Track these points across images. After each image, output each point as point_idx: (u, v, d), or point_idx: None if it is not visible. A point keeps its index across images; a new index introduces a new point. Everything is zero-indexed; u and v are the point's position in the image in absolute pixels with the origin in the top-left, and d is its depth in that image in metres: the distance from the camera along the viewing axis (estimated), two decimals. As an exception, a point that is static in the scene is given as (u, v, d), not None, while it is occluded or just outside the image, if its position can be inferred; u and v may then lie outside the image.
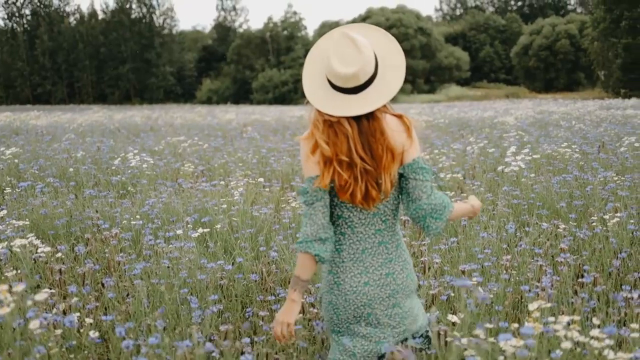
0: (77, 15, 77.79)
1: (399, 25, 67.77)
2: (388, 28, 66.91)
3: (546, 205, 7.20)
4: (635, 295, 4.32)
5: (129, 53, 73.66)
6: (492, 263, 5.17)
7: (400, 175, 2.86)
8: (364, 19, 70.87)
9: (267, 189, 8.12)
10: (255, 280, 5.23)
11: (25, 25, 75.99)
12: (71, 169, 9.06)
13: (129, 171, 8.89)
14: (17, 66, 72.69)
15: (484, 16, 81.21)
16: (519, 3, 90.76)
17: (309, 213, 2.83)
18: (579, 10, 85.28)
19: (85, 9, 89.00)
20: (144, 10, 76.16)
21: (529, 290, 4.58)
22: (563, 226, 6.04)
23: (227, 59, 73.40)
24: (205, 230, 5.22)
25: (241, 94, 68.46)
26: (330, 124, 2.77)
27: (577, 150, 9.65)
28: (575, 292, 4.95)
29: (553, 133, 14.17)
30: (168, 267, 4.75)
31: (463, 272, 4.97)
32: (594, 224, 5.98)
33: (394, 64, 2.82)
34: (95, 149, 11.73)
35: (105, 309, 4.58)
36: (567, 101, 37.82)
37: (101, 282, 4.62)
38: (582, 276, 5.28)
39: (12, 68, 72.82)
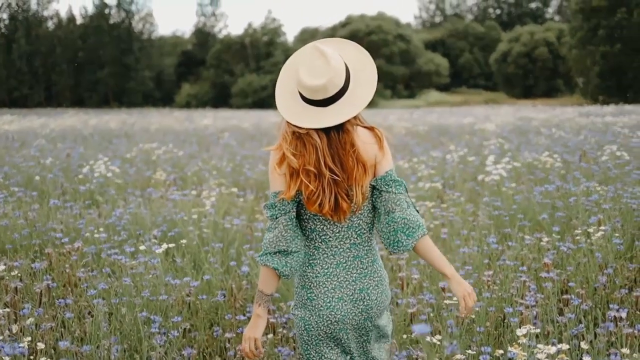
0: (56, 20, 77.04)
1: (378, 32, 67.66)
2: (368, 35, 66.81)
3: (528, 217, 6.99)
4: (623, 314, 4.10)
5: (107, 58, 73.02)
6: (473, 280, 4.92)
7: (373, 188, 2.80)
8: (344, 25, 70.70)
9: (241, 199, 7.84)
10: (225, 297, 4.97)
11: (2, 30, 75.10)
12: (37, 177, 8.69)
13: (97, 180, 8.55)
14: (-6, 70, 71.77)
15: (463, 23, 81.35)
16: (497, 11, 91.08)
17: (272, 226, 2.79)
18: (556, 18, 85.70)
19: (63, 13, 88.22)
20: (123, 15, 75.61)
21: (513, 308, 4.35)
22: (546, 239, 5.82)
23: (206, 64, 73.01)
24: (171, 245, 4.92)
25: (220, 99, 68.02)
26: (299, 136, 2.73)
27: (558, 159, 9.45)
28: (561, 311, 4.73)
29: (534, 140, 14.03)
30: (130, 284, 4.45)
31: (443, 289, 4.73)
32: (578, 237, 5.75)
33: (366, 78, 2.81)
34: (65, 156, 11.37)
35: (64, 328, 4.29)
36: (546, 108, 37.85)
37: (58, 300, 4.31)
38: (567, 292, 5.06)
39: (-11, 72, 71.92)
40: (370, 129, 2.81)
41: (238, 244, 6.19)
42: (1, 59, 72.13)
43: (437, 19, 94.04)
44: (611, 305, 4.26)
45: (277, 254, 2.77)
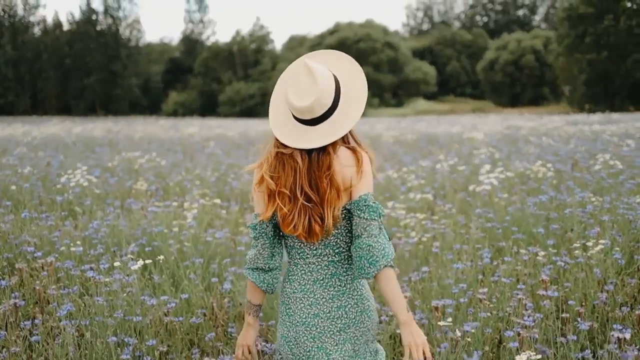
0: (42, 26, 76.56)
1: (366, 40, 67.55)
2: (356, 42, 66.69)
3: (522, 229, 6.75)
4: (627, 335, 3.86)
5: (94, 64, 72.58)
6: (467, 299, 4.66)
7: (349, 211, 2.75)
8: (332, 32, 70.54)
9: (224, 210, 7.56)
10: (205, 316, 4.69)
11: (-12, 36, 74.59)
12: (13, 187, 8.35)
13: (75, 190, 8.23)
14: (-21, 77, 71.16)
15: (450, 31, 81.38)
16: (485, 19, 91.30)
17: (253, 245, 2.88)
18: (543, 26, 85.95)
19: (50, 19, 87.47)
20: (110, 21, 75.23)
21: (511, 330, 4.10)
22: (543, 253, 5.58)
23: (194, 72, 72.70)
24: (148, 261, 4.63)
25: (208, 107, 67.69)
26: (281, 157, 2.75)
27: (552, 168, 9.22)
28: (561, 331, 4.49)
29: (524, 149, 13.83)
30: (103, 304, 4.17)
31: (436, 308, 4.47)
32: (576, 252, 5.51)
33: (356, 94, 2.77)
34: (45, 165, 11.03)
35: (31, 351, 4.01)
36: (533, 116, 37.79)
37: (24, 323, 4.02)
38: (566, 309, 4.82)
39: (-26, 79, 71.32)
40: (353, 150, 2.75)
41: (220, 258, 5.92)
42: (-14, 65, 71.61)
43: (425, 27, 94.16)
44: (614, 325, 4.02)
45: (257, 270, 2.89)
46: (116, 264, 4.54)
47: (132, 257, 5.06)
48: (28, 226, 6.49)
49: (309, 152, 2.71)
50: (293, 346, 2.83)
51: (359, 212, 2.69)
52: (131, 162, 11.55)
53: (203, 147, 16.03)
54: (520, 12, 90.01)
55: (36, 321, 3.98)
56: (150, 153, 12.87)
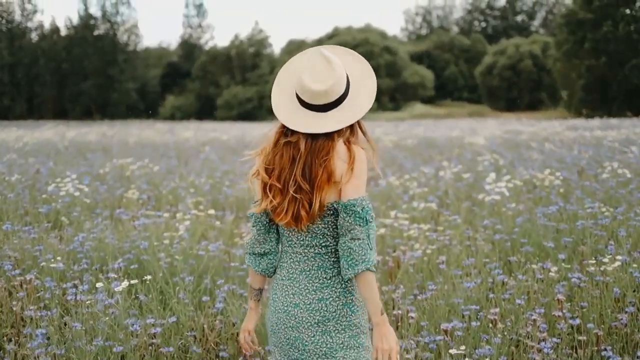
0: (40, 31, 76.27)
1: (365, 44, 67.29)
2: (354, 47, 66.45)
3: (531, 241, 6.41)
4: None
5: (91, 69, 72.28)
6: (480, 322, 4.32)
7: (336, 210, 2.75)
8: (331, 37, 70.30)
9: (218, 222, 7.19)
10: (195, 338, 4.35)
11: (-15, 41, 74.25)
12: (-2, 197, 7.97)
13: (64, 199, 7.86)
14: (-25, 81, 70.81)
15: (449, 36, 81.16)
16: (483, 24, 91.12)
17: (251, 230, 2.94)
18: (541, 31, 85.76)
19: (47, 25, 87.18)
20: (108, 26, 74.93)
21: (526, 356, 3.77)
22: (555, 268, 5.25)
23: (192, 76, 72.44)
24: (134, 282, 4.28)
25: (205, 111, 67.39)
26: (281, 145, 2.77)
27: (560, 177, 8.87)
28: (577, 355, 4.17)
29: (526, 155, 13.51)
30: (82, 329, 3.81)
31: (445, 331, 4.13)
32: (591, 269, 5.17)
33: (366, 88, 2.83)
34: (34, 172, 10.65)
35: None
36: (531, 121, 37.52)
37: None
38: (582, 331, 4.49)
39: (-31, 83, 70.97)
40: (348, 146, 2.73)
41: (213, 273, 5.57)
42: (-18, 70, 71.30)
43: (423, 31, 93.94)
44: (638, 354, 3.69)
45: (253, 254, 2.94)
46: (98, 284, 4.18)
47: (115, 276, 4.71)
48: (10, 239, 6.13)
49: (314, 138, 2.72)
50: (275, 330, 2.87)
51: (344, 215, 2.68)
52: (123, 169, 11.18)
53: (198, 152, 15.67)
54: (519, 18, 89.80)
55: (9, 347, 3.63)
56: (143, 159, 12.51)
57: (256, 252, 2.92)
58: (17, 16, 75.45)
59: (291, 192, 2.71)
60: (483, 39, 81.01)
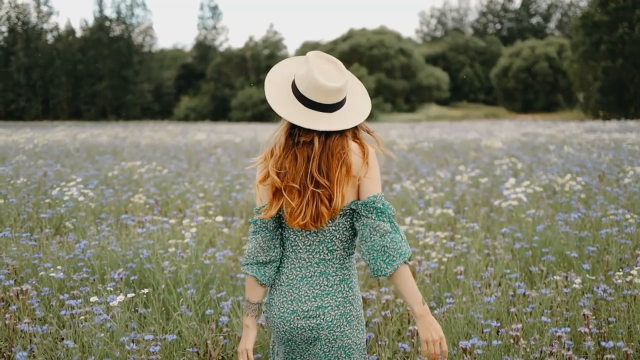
0: (55, 33, 76.55)
1: (380, 46, 67.09)
2: (369, 49, 66.31)
3: (553, 250, 6.11)
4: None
5: (106, 70, 72.47)
6: (502, 341, 4.03)
7: (353, 211, 2.73)
8: (345, 39, 70.13)
9: (227, 229, 6.93)
10: (198, 354, 4.09)
11: (1, 42, 74.58)
12: (1, 201, 7.73)
13: (65, 204, 7.62)
14: (-10, 83, 71.20)
15: (463, 38, 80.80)
16: (498, 26, 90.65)
17: (253, 237, 2.81)
18: (557, 33, 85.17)
19: (63, 27, 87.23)
20: (123, 28, 75.09)
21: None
22: (578, 280, 4.95)
23: (206, 77, 72.47)
24: (131, 295, 4.02)
25: (220, 112, 67.43)
26: (293, 147, 2.70)
27: (582, 182, 8.55)
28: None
29: (545, 159, 13.18)
30: (73, 348, 3.56)
31: (464, 350, 3.86)
32: (618, 280, 4.88)
33: (358, 91, 2.86)
34: (42, 175, 10.43)
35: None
36: (547, 122, 37.11)
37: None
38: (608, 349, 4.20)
39: (-15, 85, 71.36)
40: (360, 143, 2.75)
41: (220, 283, 5.31)
42: (-1, 71, 71.64)
43: (438, 33, 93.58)
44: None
45: (257, 263, 2.80)
46: (93, 298, 3.93)
47: (115, 287, 4.45)
48: (9, 246, 5.89)
49: (328, 136, 2.69)
50: (275, 333, 2.84)
51: (366, 213, 2.66)
52: (132, 172, 10.93)
53: (210, 155, 15.41)
54: (534, 20, 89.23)
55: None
56: (151, 162, 12.27)
57: (260, 260, 2.80)
58: (33, 18, 75.82)
59: (310, 188, 2.65)
60: (498, 40, 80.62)
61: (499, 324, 4.25)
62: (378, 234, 2.63)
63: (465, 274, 5.43)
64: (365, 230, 2.65)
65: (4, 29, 75.11)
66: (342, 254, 2.78)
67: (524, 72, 66.62)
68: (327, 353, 2.75)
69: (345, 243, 2.78)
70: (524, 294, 4.84)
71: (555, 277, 5.08)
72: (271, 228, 2.79)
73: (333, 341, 2.74)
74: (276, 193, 2.71)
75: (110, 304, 3.77)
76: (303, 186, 2.67)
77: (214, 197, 9.11)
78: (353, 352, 2.78)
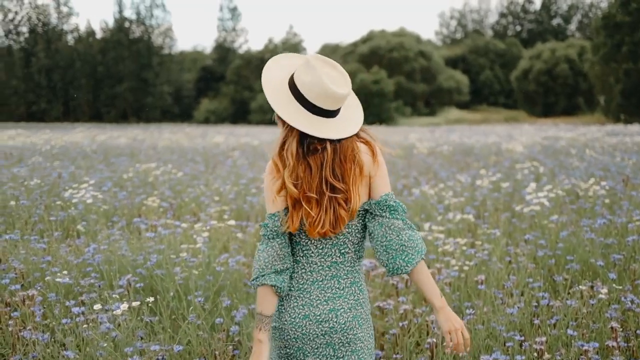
0: (75, 34, 76.97)
1: (399, 49, 66.82)
2: (389, 51, 66.06)
3: (577, 258, 5.90)
4: None
5: (126, 72, 72.75)
6: (526, 356, 3.84)
7: (366, 212, 2.75)
8: (365, 41, 69.92)
9: (241, 234, 6.76)
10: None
11: (22, 43, 75.12)
12: (12, 203, 7.61)
13: (75, 207, 7.48)
14: (12, 84, 71.64)
15: (484, 40, 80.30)
16: (518, 28, 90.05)
17: (266, 244, 2.70)
18: (577, 35, 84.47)
19: (83, 27, 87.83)
20: (142, 29, 75.34)
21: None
22: (605, 290, 4.74)
23: (226, 80, 72.50)
24: (136, 303, 3.87)
25: (240, 115, 67.41)
26: (306, 155, 2.64)
27: (606, 186, 8.31)
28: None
29: (566, 162, 12.93)
30: (74, 358, 3.41)
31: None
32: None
33: (352, 97, 2.87)
34: (56, 176, 10.32)
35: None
36: (568, 126, 36.71)
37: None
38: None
39: (7, 85, 71.75)
40: (366, 142, 2.75)
41: (231, 290, 5.15)
42: (20, 72, 72.20)
43: (458, 35, 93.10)
44: None
45: (275, 272, 2.69)
46: (96, 306, 3.77)
47: (121, 293, 4.30)
48: (18, 249, 5.76)
49: (339, 140, 2.67)
50: (276, 339, 2.76)
51: (379, 212, 2.69)
52: (147, 175, 10.80)
53: (227, 158, 15.27)
54: (554, 22, 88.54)
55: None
56: (167, 165, 12.14)
57: (278, 269, 2.68)
58: (53, 19, 76.27)
59: (327, 194, 2.64)
60: (518, 43, 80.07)
61: (522, 338, 4.05)
62: (394, 233, 2.67)
63: (487, 283, 5.23)
64: (381, 229, 2.68)
65: (25, 29, 75.68)
66: (353, 256, 2.78)
67: (545, 75, 66.07)
68: (336, 356, 2.73)
69: (356, 245, 2.78)
70: (548, 304, 4.64)
71: (580, 286, 4.87)
72: (286, 235, 2.72)
73: (347, 344, 2.73)
74: (295, 205, 2.66)
75: (115, 312, 3.61)
76: (320, 194, 2.65)
77: (229, 201, 8.95)
78: (365, 356, 2.78)
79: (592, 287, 4.98)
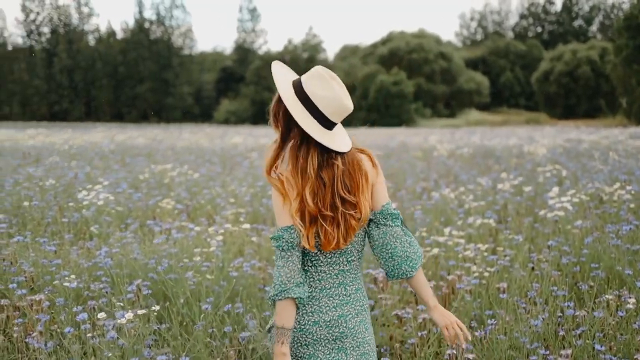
0: (96, 34, 77.50)
1: (419, 50, 66.53)
2: (408, 53, 65.82)
3: (603, 265, 5.70)
4: None
5: (147, 73, 73.12)
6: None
7: (370, 221, 2.81)
8: (384, 42, 69.71)
9: (256, 237, 6.61)
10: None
11: (44, 44, 75.74)
12: (26, 203, 7.51)
13: (87, 209, 7.36)
14: (35, 84, 72.25)
15: (504, 41, 79.79)
16: (539, 29, 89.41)
17: (285, 259, 2.67)
18: (599, 37, 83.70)
19: (104, 28, 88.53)
20: (163, 30, 75.69)
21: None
22: (632, 299, 4.55)
23: (246, 80, 72.58)
24: (142, 311, 3.73)
25: (259, 115, 67.39)
26: (321, 171, 2.67)
27: (631, 191, 8.08)
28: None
29: (589, 166, 12.67)
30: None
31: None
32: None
33: None
34: (72, 176, 10.23)
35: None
36: (590, 129, 36.27)
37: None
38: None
39: (30, 85, 72.38)
40: (360, 150, 2.82)
41: (245, 296, 5.00)
42: (42, 72, 72.82)
43: (478, 37, 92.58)
44: None
45: (298, 285, 2.69)
46: (101, 314, 3.64)
47: (128, 300, 4.16)
48: (28, 252, 5.64)
49: (344, 153, 2.73)
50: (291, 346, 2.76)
51: (384, 221, 2.77)
52: (162, 176, 10.68)
53: (244, 159, 15.13)
54: (576, 23, 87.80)
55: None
56: (183, 166, 12.02)
57: (298, 282, 2.70)
58: (74, 19, 76.79)
59: (341, 209, 2.68)
60: (539, 44, 79.51)
61: (547, 352, 3.87)
62: (398, 240, 2.78)
63: (509, 291, 5.05)
64: (385, 237, 2.78)
65: (47, 30, 76.30)
66: (357, 263, 2.84)
67: (566, 77, 65.58)
68: None
69: (360, 253, 2.85)
70: (574, 315, 4.45)
71: (606, 295, 4.68)
72: (300, 247, 2.73)
73: (357, 348, 2.79)
74: (312, 221, 2.67)
75: (119, 321, 3.47)
76: (333, 209, 2.68)
77: (245, 203, 8.80)
78: (370, 354, 2.85)
79: (619, 296, 4.79)
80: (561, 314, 4.55)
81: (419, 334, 4.33)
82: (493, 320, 4.36)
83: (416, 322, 4.58)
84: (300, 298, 2.68)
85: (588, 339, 4.19)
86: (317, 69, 2.69)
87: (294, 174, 2.64)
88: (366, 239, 2.86)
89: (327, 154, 2.67)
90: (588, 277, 5.60)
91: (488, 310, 4.81)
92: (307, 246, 2.66)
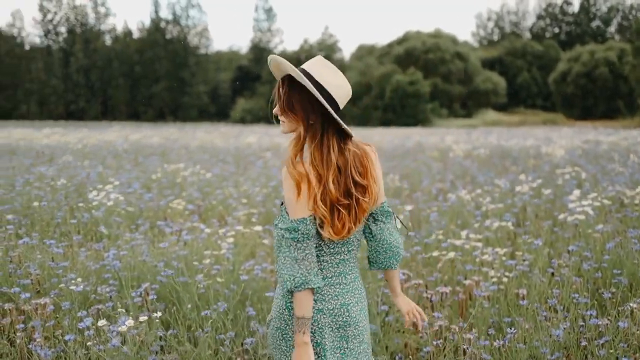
0: (113, 34, 77.88)
1: (435, 50, 66.25)
2: (424, 52, 65.57)
3: (626, 271, 5.52)
4: None
5: (163, 72, 73.36)
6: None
7: (369, 215, 2.87)
8: (400, 42, 69.47)
9: (267, 239, 6.47)
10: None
11: (61, 43, 76.18)
12: (36, 203, 7.41)
13: (96, 209, 7.24)
14: (52, 83, 72.68)
15: (521, 42, 79.33)
16: (556, 30, 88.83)
17: (302, 250, 2.64)
18: (617, 38, 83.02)
19: (120, 27, 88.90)
20: (179, 29, 75.91)
21: None
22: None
23: (262, 79, 72.62)
24: (144, 318, 3.60)
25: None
26: (340, 158, 2.67)
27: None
28: None
29: (609, 168, 12.45)
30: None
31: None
32: None
33: None
34: (84, 176, 10.13)
35: None
36: (608, 130, 35.91)
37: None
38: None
39: (47, 85, 72.83)
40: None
41: (256, 300, 4.86)
42: (59, 72, 73.26)
43: (495, 37, 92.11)
44: None
45: (315, 275, 2.67)
46: (101, 322, 3.51)
47: (136, 304, 4.03)
48: (35, 253, 5.52)
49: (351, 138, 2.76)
50: (289, 339, 2.77)
51: (382, 218, 2.87)
52: (175, 175, 10.56)
53: (258, 159, 15.00)
54: (593, 24, 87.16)
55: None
56: (196, 165, 11.90)
57: (316, 271, 2.68)
58: (91, 19, 77.19)
59: (355, 194, 2.69)
60: (556, 45, 79.01)
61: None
62: (392, 237, 2.90)
63: (528, 297, 4.88)
64: (383, 233, 2.88)
65: (63, 29, 76.74)
66: (355, 253, 2.87)
67: (584, 78, 65.18)
68: (349, 348, 2.81)
69: (358, 242, 2.86)
70: (596, 323, 4.27)
71: (630, 304, 4.50)
72: (313, 234, 2.68)
73: (358, 336, 2.83)
74: (332, 209, 2.67)
75: (119, 328, 3.34)
76: (349, 195, 2.68)
77: (257, 204, 8.65)
78: (367, 346, 2.91)
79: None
80: (583, 323, 4.38)
81: (434, 342, 4.17)
82: (512, 328, 4.20)
83: (432, 329, 4.42)
84: (320, 288, 2.72)
85: (612, 349, 4.03)
86: (319, 59, 2.73)
87: (318, 163, 2.63)
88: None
89: (342, 140, 2.68)
90: (610, 283, 5.42)
91: (507, 318, 4.65)
92: (327, 235, 2.66)
